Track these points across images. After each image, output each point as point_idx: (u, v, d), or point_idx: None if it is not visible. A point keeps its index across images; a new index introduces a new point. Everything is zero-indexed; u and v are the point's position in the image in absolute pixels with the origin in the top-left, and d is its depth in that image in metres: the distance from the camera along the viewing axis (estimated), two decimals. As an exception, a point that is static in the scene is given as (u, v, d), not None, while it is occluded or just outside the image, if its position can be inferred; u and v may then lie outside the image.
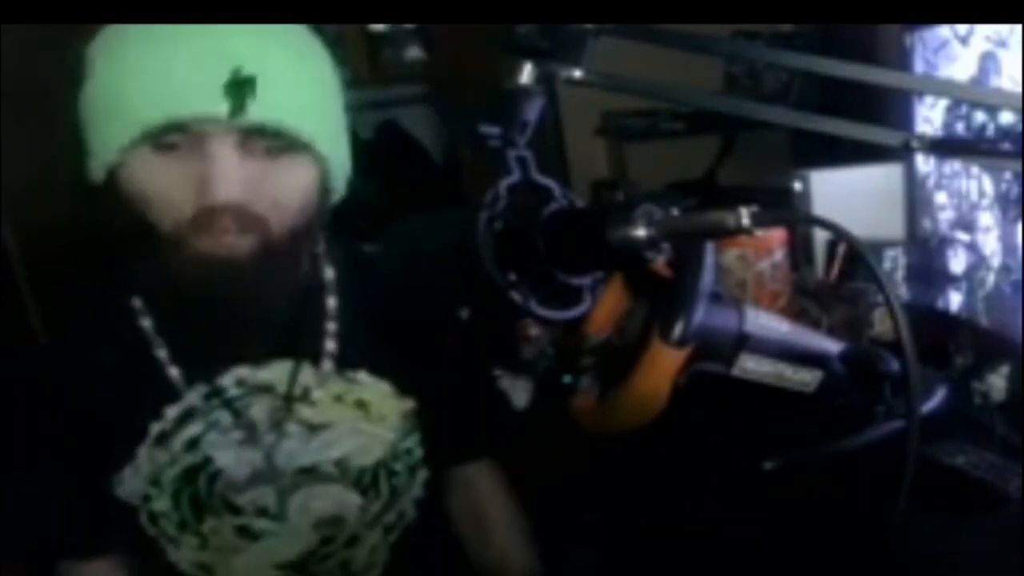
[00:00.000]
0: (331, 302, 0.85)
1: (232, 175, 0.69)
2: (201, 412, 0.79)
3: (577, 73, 0.76)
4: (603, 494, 1.37)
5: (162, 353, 0.80)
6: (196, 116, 0.68)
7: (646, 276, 0.61)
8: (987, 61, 1.11)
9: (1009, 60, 1.07)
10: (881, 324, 1.34)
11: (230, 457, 0.80)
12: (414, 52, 3.23)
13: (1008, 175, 1.10)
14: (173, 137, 0.69)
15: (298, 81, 0.72)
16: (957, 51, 1.16)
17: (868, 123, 0.77)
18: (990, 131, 1.12)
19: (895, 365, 0.71)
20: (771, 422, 0.81)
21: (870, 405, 0.72)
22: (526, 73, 0.76)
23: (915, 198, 1.34)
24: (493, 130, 0.67)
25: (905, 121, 1.26)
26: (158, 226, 0.71)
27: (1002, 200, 1.13)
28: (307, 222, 0.76)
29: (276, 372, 0.81)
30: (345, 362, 0.84)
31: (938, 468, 0.98)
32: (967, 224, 1.21)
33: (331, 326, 0.84)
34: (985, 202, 1.17)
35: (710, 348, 0.62)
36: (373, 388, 0.85)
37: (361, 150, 0.89)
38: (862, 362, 0.71)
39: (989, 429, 1.05)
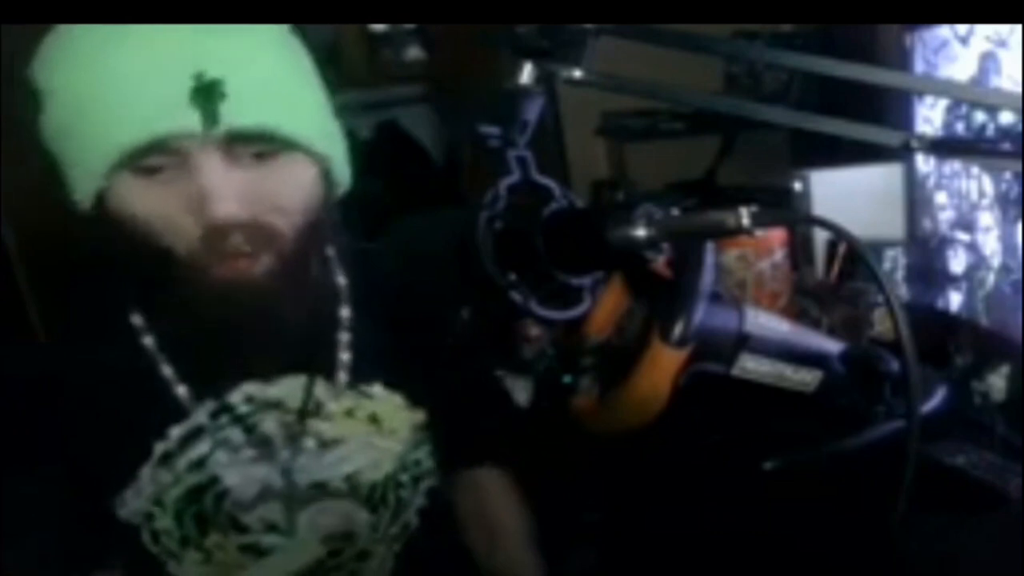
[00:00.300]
0: (345, 311, 0.83)
1: (226, 189, 0.65)
2: (209, 430, 0.77)
3: (577, 73, 0.76)
4: (604, 494, 1.37)
5: (168, 371, 0.77)
6: (170, 134, 0.64)
7: (646, 276, 0.61)
8: (987, 61, 1.11)
9: (1009, 60, 1.07)
10: (881, 324, 1.34)
11: (239, 475, 0.78)
12: (414, 52, 3.23)
13: (1008, 175, 1.10)
14: (153, 159, 0.65)
15: (271, 77, 0.68)
16: (957, 51, 1.16)
17: (868, 123, 0.77)
18: (990, 131, 1.12)
19: (895, 365, 0.70)
20: (771, 422, 0.81)
21: (870, 405, 0.72)
22: (526, 73, 0.76)
23: (915, 198, 1.34)
24: (493, 130, 0.67)
25: (905, 121, 1.26)
26: (172, 251, 0.68)
27: (1002, 200, 1.13)
28: (314, 221, 0.74)
29: (287, 387, 0.79)
30: (359, 374, 0.82)
31: (938, 468, 0.98)
32: (967, 224, 1.21)
33: (345, 336, 0.82)
34: (985, 202, 1.17)
35: (710, 348, 0.62)
36: (386, 401, 0.83)
37: (361, 150, 0.89)
38: (862, 362, 0.71)
39: (989, 429, 1.05)
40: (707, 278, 0.60)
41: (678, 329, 0.59)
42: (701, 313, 0.59)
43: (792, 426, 0.74)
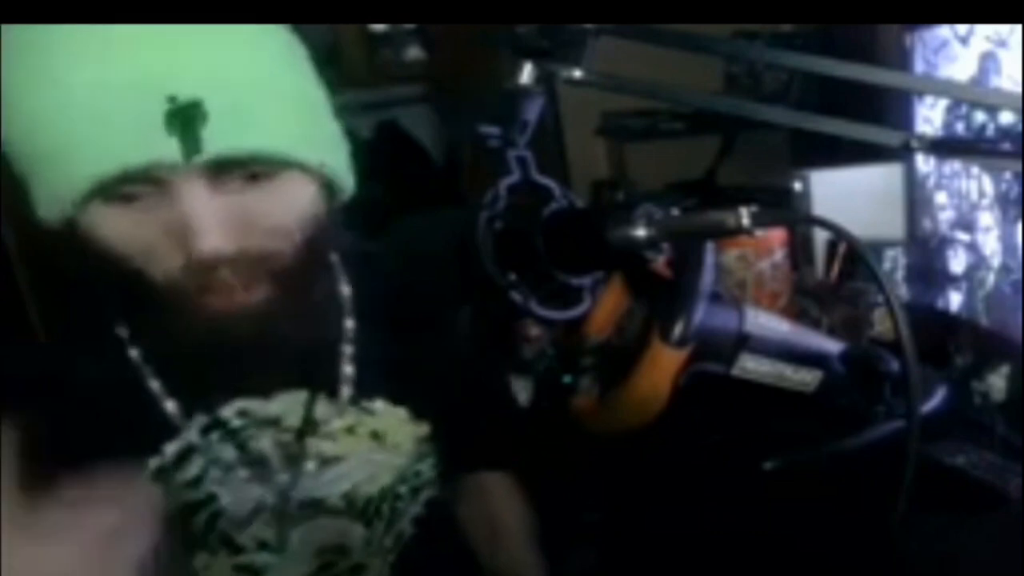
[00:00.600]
0: (349, 323, 0.79)
1: (211, 220, 0.58)
2: (200, 448, 0.72)
3: (577, 73, 0.76)
4: (604, 494, 1.37)
5: (155, 385, 0.72)
6: (146, 164, 0.57)
7: (646, 276, 0.61)
8: (987, 61, 1.11)
9: (1009, 60, 1.07)
10: (881, 324, 1.34)
11: (233, 495, 0.74)
12: (414, 52, 3.23)
13: (1008, 175, 1.10)
14: (129, 188, 0.58)
15: (257, 89, 0.60)
16: (957, 51, 1.16)
17: (868, 123, 0.77)
18: (990, 131, 1.12)
19: (895, 365, 0.71)
20: (771, 422, 0.81)
21: (870, 405, 0.72)
22: (526, 73, 0.76)
23: (915, 198, 1.34)
24: (493, 130, 0.67)
25: (905, 121, 1.26)
26: (152, 279, 0.61)
27: (1002, 200, 1.13)
28: (314, 235, 0.67)
29: (285, 404, 0.75)
30: (363, 387, 0.78)
31: (938, 468, 0.99)
32: (967, 224, 1.21)
33: (348, 349, 0.78)
34: (985, 202, 1.17)
35: (710, 348, 0.62)
36: (389, 416, 0.79)
37: (361, 150, 0.88)
38: (862, 362, 0.71)
39: (989, 429, 1.05)
40: (707, 278, 0.60)
41: (678, 329, 0.59)
42: (701, 313, 0.59)
43: (792, 426, 0.74)
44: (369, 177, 0.81)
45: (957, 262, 1.25)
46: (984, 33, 1.11)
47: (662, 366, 0.60)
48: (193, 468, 0.73)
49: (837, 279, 1.48)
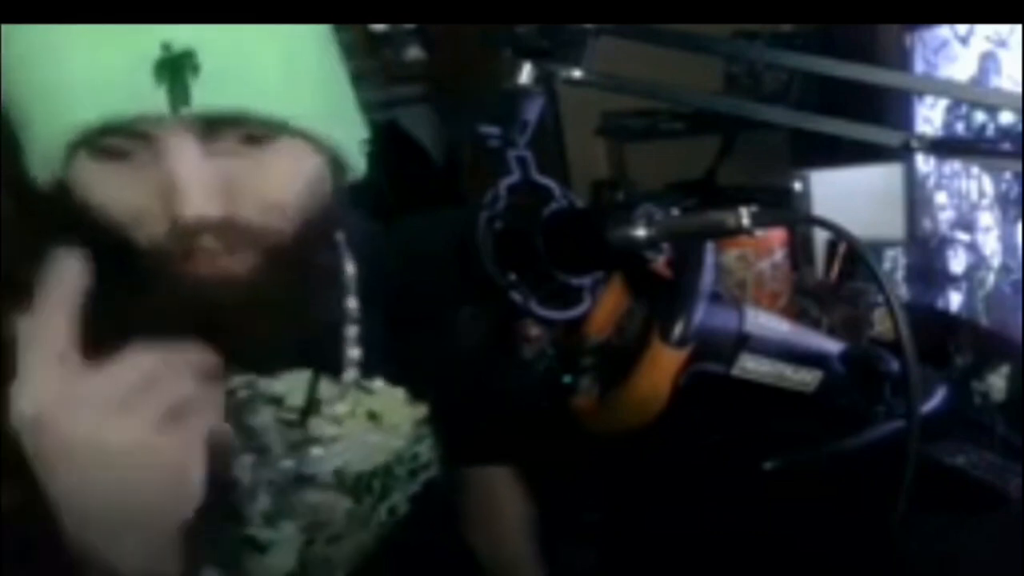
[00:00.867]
0: (352, 303, 0.77)
1: (199, 182, 0.55)
2: None
3: (577, 73, 0.76)
4: (604, 494, 1.37)
5: None
6: (133, 115, 0.53)
7: (646, 276, 0.61)
8: (987, 61, 1.11)
9: (1009, 60, 1.07)
10: (881, 324, 1.34)
11: (240, 467, 0.72)
12: (414, 52, 3.23)
13: (1008, 175, 1.10)
14: (116, 141, 0.55)
15: (260, 47, 0.56)
16: (957, 51, 1.16)
17: (868, 123, 0.77)
18: (990, 131, 1.12)
19: (895, 365, 0.71)
20: (771, 422, 0.81)
21: (870, 405, 0.72)
22: (526, 73, 0.76)
23: (915, 198, 1.34)
24: (493, 130, 0.67)
25: (905, 121, 1.26)
26: (137, 244, 0.58)
27: (1002, 200, 1.13)
28: (317, 215, 0.63)
29: (289, 383, 0.73)
30: (365, 368, 0.76)
31: (938, 468, 0.99)
32: (967, 224, 1.21)
33: (353, 330, 0.76)
34: (985, 202, 1.17)
35: (710, 348, 0.62)
36: (387, 396, 0.79)
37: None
38: (862, 362, 0.71)
39: (989, 429, 1.05)
40: (707, 278, 0.60)
41: (678, 329, 0.59)
42: (701, 313, 0.59)
43: (792, 426, 0.74)
44: (369, 177, 0.81)
45: (957, 262, 1.25)
46: (984, 33, 1.11)
47: (662, 366, 0.60)
48: None
49: (837, 279, 1.48)
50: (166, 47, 0.52)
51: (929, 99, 1.24)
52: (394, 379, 0.79)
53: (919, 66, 1.24)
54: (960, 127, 1.18)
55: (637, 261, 0.58)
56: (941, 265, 1.28)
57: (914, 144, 0.80)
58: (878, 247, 1.42)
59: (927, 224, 1.32)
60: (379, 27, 3.16)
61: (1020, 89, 1.03)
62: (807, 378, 0.69)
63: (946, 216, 1.27)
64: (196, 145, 0.55)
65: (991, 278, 1.17)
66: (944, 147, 0.97)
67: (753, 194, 1.84)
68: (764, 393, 0.67)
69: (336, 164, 0.65)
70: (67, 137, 0.54)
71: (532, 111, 0.73)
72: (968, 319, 1.22)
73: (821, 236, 1.53)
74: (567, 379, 0.62)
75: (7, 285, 0.57)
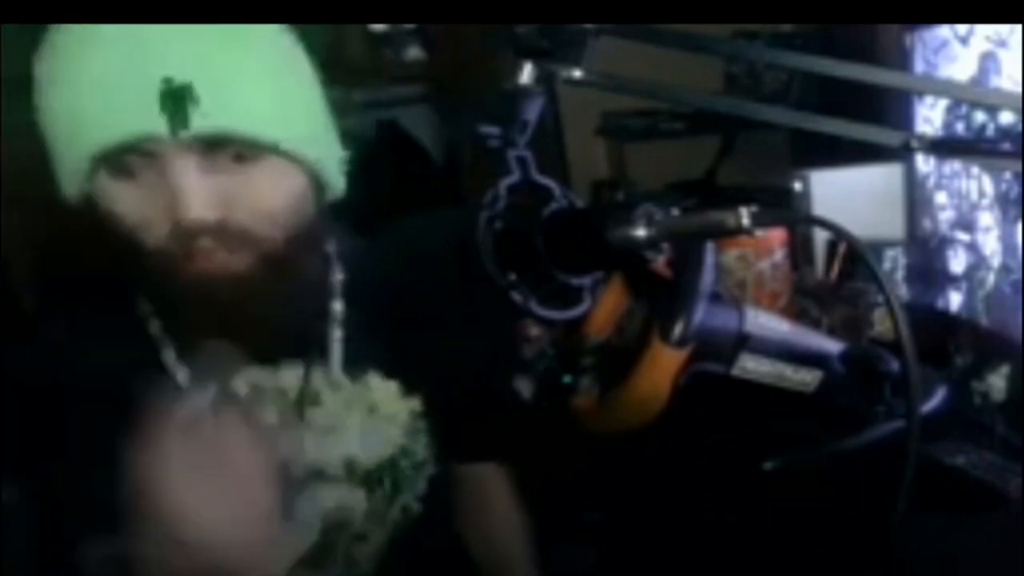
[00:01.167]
0: (338, 305, 0.84)
1: (197, 192, 0.66)
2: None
3: (577, 73, 0.76)
4: (604, 494, 1.37)
5: (170, 356, 0.78)
6: (140, 136, 0.65)
7: (646, 276, 0.61)
8: (987, 61, 1.11)
9: (1009, 60, 1.07)
10: (881, 324, 1.34)
11: None
12: (414, 52, 3.22)
13: (1008, 175, 1.10)
14: (128, 160, 0.66)
15: (243, 79, 0.67)
16: (957, 51, 1.16)
17: (868, 123, 0.77)
18: (990, 131, 1.12)
19: (895, 365, 0.71)
20: (771, 422, 0.81)
21: (870, 405, 0.72)
22: (526, 73, 0.76)
23: (915, 198, 1.35)
24: (493, 130, 0.67)
25: (905, 121, 1.26)
26: (148, 248, 0.69)
27: (1002, 200, 1.14)
28: (304, 227, 0.73)
29: (287, 376, 0.81)
30: (355, 364, 0.83)
31: (938, 468, 0.99)
32: (967, 224, 1.21)
33: (338, 331, 0.83)
34: (985, 202, 1.17)
35: (710, 348, 0.62)
36: (382, 389, 0.84)
37: (361, 150, 0.89)
38: (862, 362, 0.71)
39: (989, 429, 1.05)
40: (707, 278, 0.60)
41: (678, 329, 0.59)
42: (701, 313, 0.59)
43: (792, 426, 0.74)
44: (369, 177, 0.81)
45: (957, 262, 1.25)
46: (984, 33, 1.11)
47: (662, 366, 0.60)
48: None
49: (837, 279, 1.48)
50: (168, 81, 0.63)
51: (929, 99, 1.24)
52: (388, 374, 0.84)
53: (919, 66, 1.24)
54: (960, 127, 1.18)
55: (637, 261, 0.58)
56: (941, 265, 1.28)
57: (914, 144, 0.80)
58: (878, 247, 1.42)
59: (927, 224, 1.32)
60: (379, 27, 3.16)
61: (1020, 89, 1.03)
62: (807, 378, 0.69)
63: (946, 216, 1.27)
64: (194, 161, 0.66)
65: (991, 278, 1.18)
66: (944, 147, 0.97)
67: (753, 194, 1.84)
68: (764, 393, 0.67)
69: (317, 182, 0.75)
70: (90, 154, 0.66)
71: (532, 111, 0.73)
72: (968, 319, 1.22)
73: (821, 236, 1.53)
74: (567, 379, 0.62)
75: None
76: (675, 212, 0.57)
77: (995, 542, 0.89)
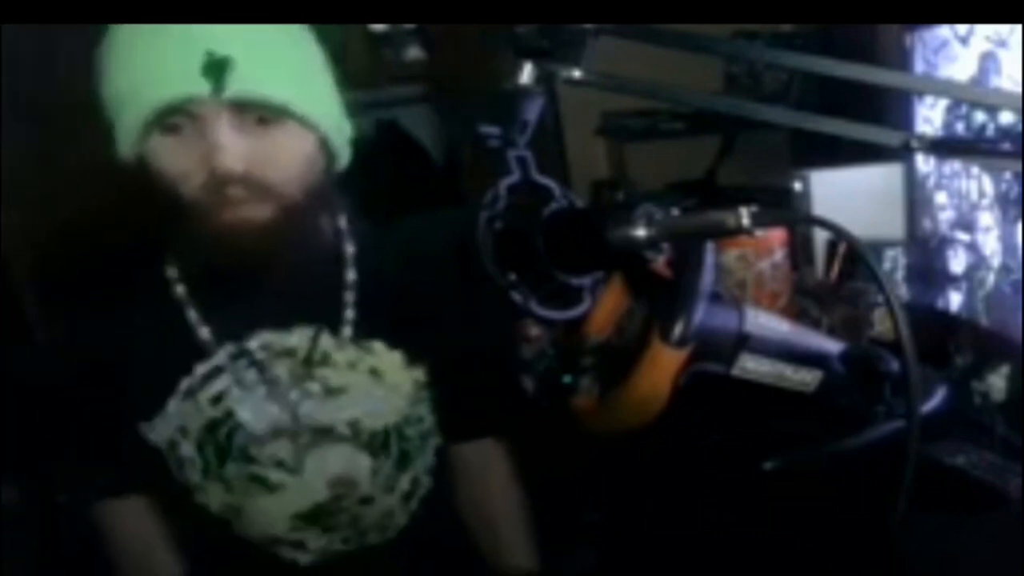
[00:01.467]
0: (351, 274, 0.91)
1: (230, 146, 0.77)
2: (228, 370, 0.87)
3: (577, 73, 0.76)
4: (604, 494, 1.37)
5: (193, 316, 0.88)
6: (186, 97, 0.76)
7: (646, 276, 0.61)
8: (987, 61, 1.11)
9: (1009, 60, 1.07)
10: (881, 324, 1.34)
11: (251, 412, 0.87)
12: (414, 52, 3.22)
13: (1008, 175, 1.10)
14: (175, 119, 0.78)
15: (272, 56, 0.80)
16: (957, 51, 1.16)
17: (868, 123, 0.77)
18: (990, 131, 1.12)
19: (895, 365, 0.71)
20: (771, 422, 0.81)
21: (870, 405, 0.72)
22: (526, 73, 0.76)
23: (915, 198, 1.34)
24: (493, 130, 0.67)
25: (905, 121, 1.26)
26: (185, 198, 0.79)
27: (1002, 200, 1.14)
28: (316, 186, 0.84)
29: (298, 337, 0.89)
30: (362, 331, 0.90)
31: (938, 468, 0.99)
32: (967, 224, 1.21)
33: (350, 296, 0.91)
34: (985, 202, 1.17)
35: (710, 348, 0.62)
36: (387, 357, 0.90)
37: (361, 150, 0.89)
38: (862, 362, 0.71)
39: (989, 429, 1.05)
40: (707, 278, 0.60)
41: (678, 329, 0.59)
42: (701, 313, 0.59)
43: (792, 426, 0.74)
44: (369, 177, 0.82)
45: (957, 262, 1.25)
46: (984, 33, 1.11)
47: (662, 366, 0.60)
48: (217, 386, 0.88)
49: (837, 279, 1.48)
50: (210, 53, 0.76)
51: (929, 99, 1.24)
52: (391, 344, 0.91)
53: (919, 66, 1.24)
54: (960, 127, 1.18)
55: (637, 261, 0.58)
56: (941, 265, 1.28)
57: (914, 144, 0.79)
58: (878, 247, 1.42)
59: (927, 224, 1.32)
60: (379, 27, 3.16)
61: (1020, 89, 1.03)
62: (807, 378, 0.69)
63: (946, 216, 1.27)
64: (227, 120, 0.78)
65: (991, 278, 1.18)
66: (944, 147, 0.97)
67: (753, 194, 1.84)
68: (764, 393, 0.67)
69: (328, 150, 0.86)
70: (144, 116, 0.78)
71: (532, 111, 0.73)
72: (968, 319, 1.22)
73: (821, 236, 1.53)
74: (567, 379, 0.62)
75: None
76: (675, 212, 0.57)
77: (995, 542, 0.89)
